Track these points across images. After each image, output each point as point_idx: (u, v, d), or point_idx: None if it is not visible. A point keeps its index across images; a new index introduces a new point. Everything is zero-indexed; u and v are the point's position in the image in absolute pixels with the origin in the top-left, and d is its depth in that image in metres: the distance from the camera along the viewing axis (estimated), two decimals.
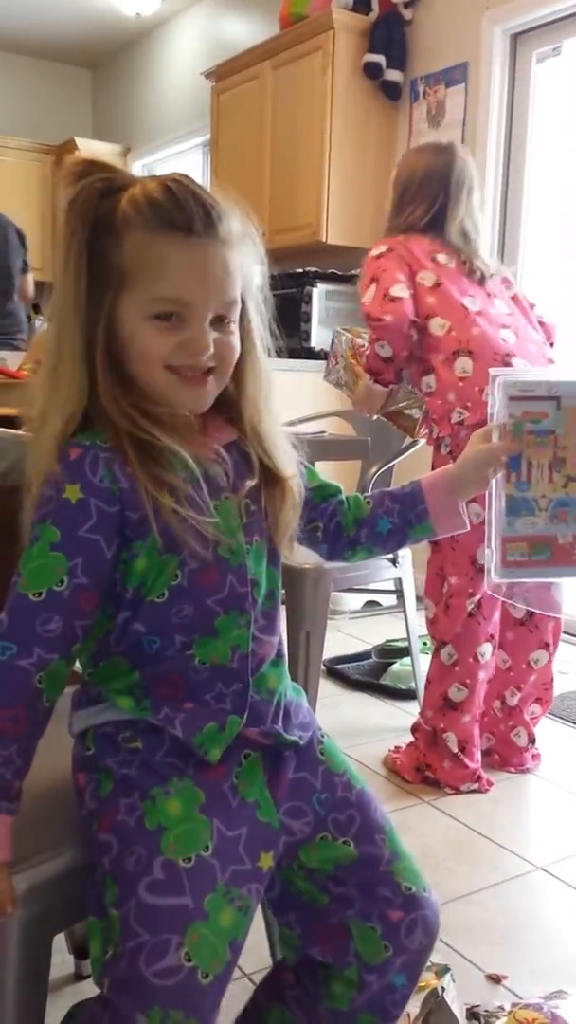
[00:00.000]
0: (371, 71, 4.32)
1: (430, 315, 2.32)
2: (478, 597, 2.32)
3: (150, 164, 6.78)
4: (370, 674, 3.17)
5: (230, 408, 1.12)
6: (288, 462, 1.14)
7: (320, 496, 1.25)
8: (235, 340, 1.07)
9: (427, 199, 2.40)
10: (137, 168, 6.79)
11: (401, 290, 2.31)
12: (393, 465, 2.98)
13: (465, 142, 4.07)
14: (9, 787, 0.97)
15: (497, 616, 2.38)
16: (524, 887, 1.95)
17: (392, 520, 1.25)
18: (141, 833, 0.98)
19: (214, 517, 1.02)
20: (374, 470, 2.89)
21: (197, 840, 0.99)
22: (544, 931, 1.79)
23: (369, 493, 1.28)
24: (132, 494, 0.99)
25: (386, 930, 1.09)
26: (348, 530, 1.25)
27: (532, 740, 2.53)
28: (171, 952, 0.91)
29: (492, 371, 1.28)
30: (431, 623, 2.42)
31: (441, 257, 2.38)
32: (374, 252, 2.41)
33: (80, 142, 6.68)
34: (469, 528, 1.27)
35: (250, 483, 1.10)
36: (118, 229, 1.01)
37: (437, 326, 2.32)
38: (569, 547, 1.27)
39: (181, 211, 0.99)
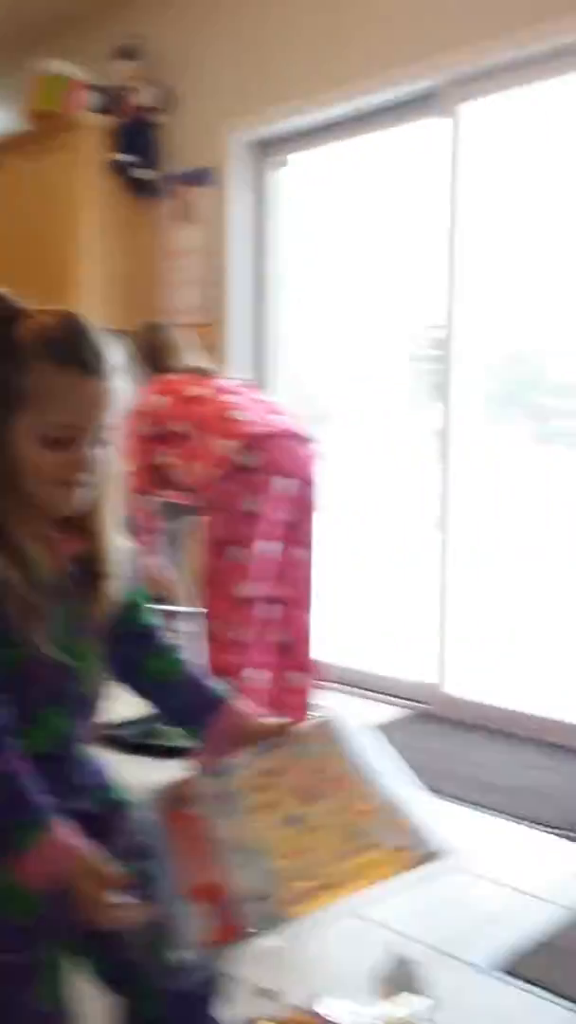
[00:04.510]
0: (118, 169, 4.43)
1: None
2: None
3: None
4: (146, 735, 3.19)
5: (83, 518, 1.25)
6: (117, 565, 1.27)
7: (131, 617, 1.34)
8: (107, 454, 1.21)
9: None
10: None
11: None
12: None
13: (215, 240, 4.32)
14: None
15: None
16: None
17: (181, 699, 1.35)
18: None
19: (48, 621, 1.17)
20: None
21: None
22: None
23: (190, 672, 1.36)
24: None
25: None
26: (144, 672, 1.36)
27: None
28: None
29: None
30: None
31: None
32: None
33: None
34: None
35: (85, 589, 1.24)
36: (24, 357, 1.16)
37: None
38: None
39: (83, 351, 1.18)
